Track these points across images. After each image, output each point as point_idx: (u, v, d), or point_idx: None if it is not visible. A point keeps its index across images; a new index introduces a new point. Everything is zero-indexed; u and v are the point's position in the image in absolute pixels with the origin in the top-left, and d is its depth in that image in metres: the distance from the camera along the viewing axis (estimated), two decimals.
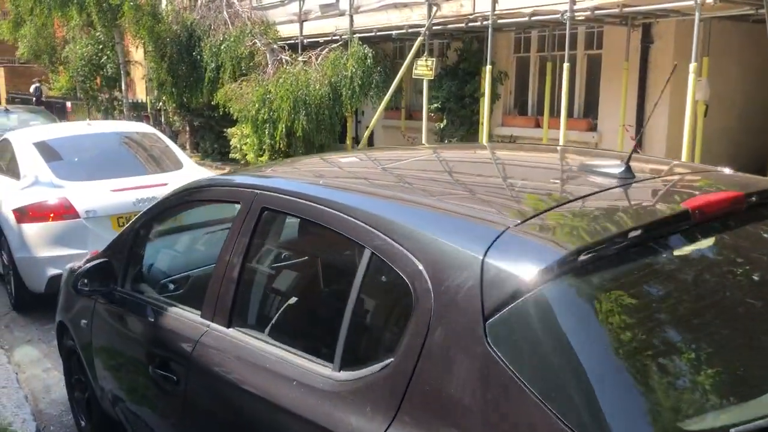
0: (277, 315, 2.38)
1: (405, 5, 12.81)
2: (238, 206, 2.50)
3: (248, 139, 14.88)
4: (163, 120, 20.53)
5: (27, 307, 6.07)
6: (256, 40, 15.18)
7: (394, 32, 13.00)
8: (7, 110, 12.01)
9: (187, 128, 18.43)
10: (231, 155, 15.69)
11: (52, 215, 5.72)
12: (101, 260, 3.13)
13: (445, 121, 13.17)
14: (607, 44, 11.10)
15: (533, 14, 10.35)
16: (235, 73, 15.34)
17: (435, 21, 12.04)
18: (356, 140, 15.73)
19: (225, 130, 16.41)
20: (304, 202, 2.15)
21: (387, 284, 1.91)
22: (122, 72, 20.18)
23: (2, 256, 6.28)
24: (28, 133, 7.03)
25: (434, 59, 12.10)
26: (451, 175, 2.56)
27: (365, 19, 13.78)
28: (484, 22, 11.09)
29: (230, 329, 2.34)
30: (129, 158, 6.80)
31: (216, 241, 3.71)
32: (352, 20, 13.92)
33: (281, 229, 2.48)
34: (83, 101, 25.27)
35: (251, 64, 15.16)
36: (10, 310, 6.11)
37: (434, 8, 11.92)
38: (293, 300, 2.45)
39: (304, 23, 15.28)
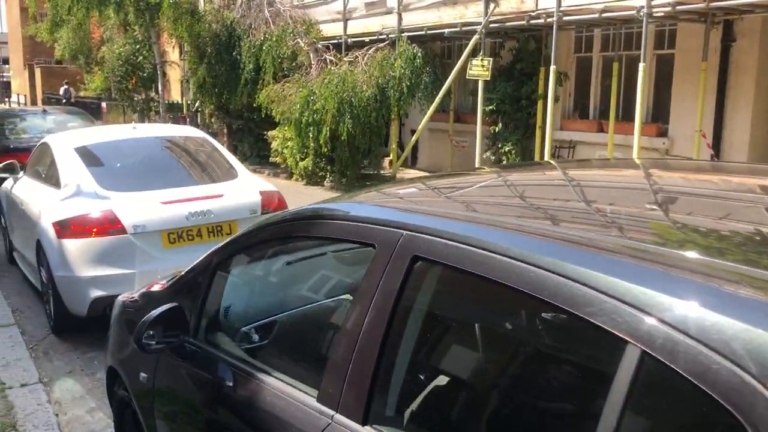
0: (454, 415, 1.67)
1: (459, 2, 12.11)
2: (367, 249, 1.84)
3: (290, 143, 14.29)
4: (199, 122, 20.08)
5: (67, 330, 5.49)
6: (299, 40, 14.60)
7: (446, 31, 12.32)
8: (44, 111, 11.53)
9: (225, 131, 17.90)
10: (271, 159, 15.12)
11: (96, 230, 5.12)
12: (170, 306, 2.49)
13: (499, 124, 12.41)
14: (681, 43, 10.27)
15: (604, 11, 9.58)
16: (276, 74, 14.78)
17: (492, 18, 11.33)
18: (400, 145, 15.05)
19: (264, 132, 15.86)
20: (497, 257, 1.46)
21: (671, 403, 1.21)
22: (159, 72, 19.77)
23: (41, 273, 5.71)
24: (68, 137, 6.46)
25: (490, 59, 11.37)
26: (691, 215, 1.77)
27: (414, 17, 13.13)
28: (548, 20, 10.36)
29: (367, 427, 1.66)
30: (179, 166, 6.18)
31: (304, 273, 3.06)
32: (400, 18, 13.27)
33: (448, 289, 1.77)
34: (118, 102, 25.02)
35: (293, 64, 14.58)
36: (48, 334, 5.54)
37: (492, 5, 11.20)
38: (480, 398, 1.68)
39: (348, 22, 14.67)
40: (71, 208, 5.31)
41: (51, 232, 5.27)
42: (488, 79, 11.38)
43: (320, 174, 13.88)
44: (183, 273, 2.86)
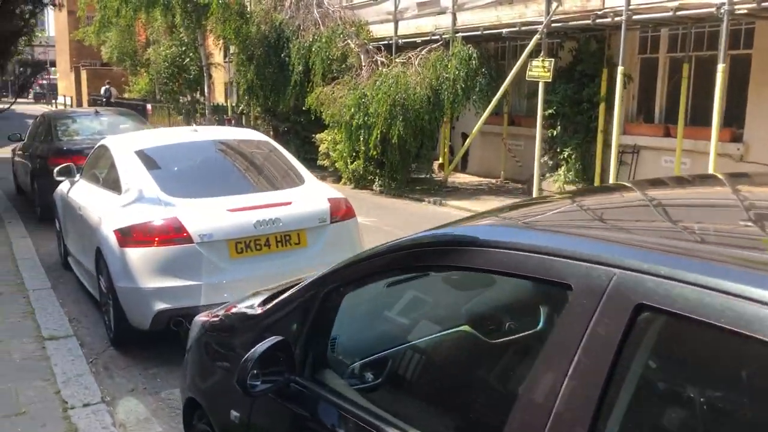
0: None
1: (518, 1, 11.66)
2: (557, 289, 1.45)
3: (339, 146, 13.99)
4: (244, 124, 19.94)
5: (127, 343, 5.23)
6: (349, 41, 14.29)
7: (504, 30, 11.88)
8: (97, 113, 11.38)
9: (272, 133, 17.68)
10: (319, 162, 14.84)
11: (160, 238, 4.84)
12: (277, 340, 2.14)
13: (558, 128, 11.92)
14: (760, 42, 9.66)
15: (679, 8, 9.05)
16: (326, 75, 14.50)
17: (554, 18, 10.86)
18: (450, 148, 14.62)
19: (312, 135, 15.60)
20: None
21: None
22: (205, 74, 19.67)
23: (100, 282, 5.45)
24: (128, 140, 6.21)
25: (552, 60, 10.90)
26: None
27: (470, 16, 12.72)
28: (616, 18, 9.86)
29: None
30: (244, 171, 5.86)
31: (411, 299, 2.68)
32: (455, 18, 12.87)
33: (700, 355, 1.35)
34: (163, 103, 25.07)
35: (343, 66, 14.28)
36: (107, 347, 5.27)
37: (554, 4, 10.73)
38: None
39: (398, 22, 14.31)
40: (133, 214, 5.04)
41: (112, 239, 5.00)
42: (549, 80, 10.90)
43: (369, 178, 13.56)
44: (282, 298, 2.51)
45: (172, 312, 4.78)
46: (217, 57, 23.01)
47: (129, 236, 4.92)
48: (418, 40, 13.66)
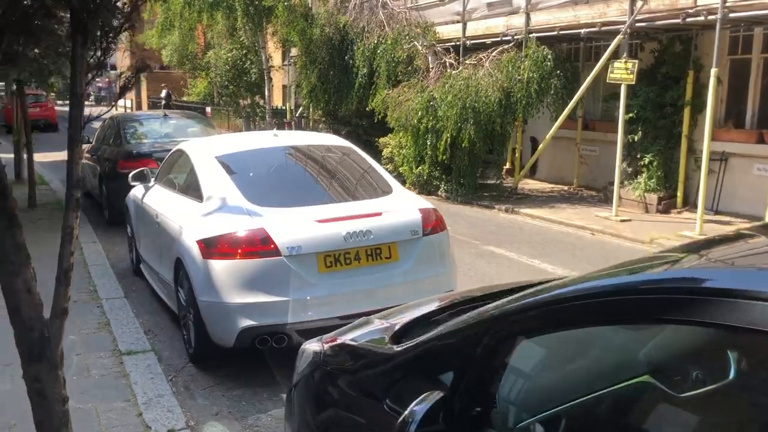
0: None
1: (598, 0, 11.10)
2: None
3: (403, 150, 13.64)
4: (303, 127, 19.80)
5: (207, 360, 4.94)
6: (416, 43, 13.93)
7: (582, 31, 11.32)
8: (165, 116, 11.27)
9: None
10: (381, 166, 14.47)
11: (246, 250, 4.53)
12: (438, 397, 1.76)
13: (639, 133, 11.30)
14: None
15: None
16: (390, 78, 14.18)
17: (638, 17, 10.27)
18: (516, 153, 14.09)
19: (374, 139, 15.29)
20: None
21: None
22: (266, 78, 19.59)
23: (179, 293, 5.17)
24: (206, 145, 5.94)
25: (635, 61, 10.31)
26: None
27: (545, 16, 12.20)
28: (710, 17, 9.22)
29: None
30: (329, 179, 5.51)
31: (579, 344, 2.26)
32: (528, 18, 12.36)
33: None
34: (221, 107, 25.19)
35: (409, 68, 13.94)
36: (186, 363, 4.99)
37: (639, 2, 10.14)
38: None
39: (466, 23, 13.86)
40: (217, 224, 4.74)
41: (195, 251, 4.71)
42: (633, 83, 10.31)
43: (434, 183, 13.17)
44: (429, 338, 2.12)
45: (258, 330, 4.46)
46: (276, 60, 22.97)
47: (213, 247, 4.62)
48: (488, 41, 13.20)
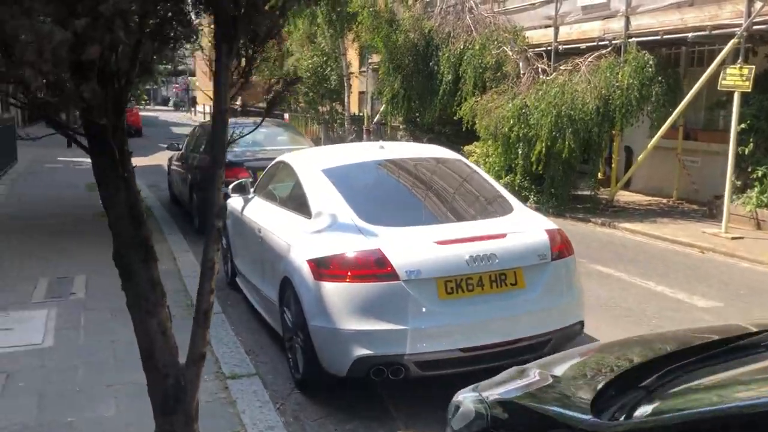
0: None
1: (708, 2, 10.38)
2: None
3: (490, 158, 13.18)
4: (382, 135, 19.56)
5: (314, 387, 4.65)
6: (505, 48, 13.44)
7: (690, 35, 10.60)
8: (254, 123, 11.14)
9: None
10: None
11: (360, 273, 4.21)
12: None
13: (751, 144, 10.49)
14: None
15: None
16: (477, 84, 13.74)
17: (755, 20, 9.52)
18: (608, 162, 13.36)
19: (458, 147, 14.85)
20: None
21: None
22: (346, 84, 19.46)
23: (284, 315, 4.90)
24: (311, 157, 5.68)
25: (752, 67, 9.55)
26: None
27: (647, 20, 11.53)
28: None
29: None
30: (445, 195, 5.15)
31: None
32: (628, 22, 11.71)
33: None
34: (299, 113, 25.24)
35: (497, 74, 13.46)
36: (292, 390, 4.70)
37: (759, 3, 9.40)
38: None
39: (558, 28, 13.28)
40: (329, 244, 4.44)
41: (305, 271, 4.42)
42: (749, 90, 9.55)
43: (523, 194, 12.62)
44: (677, 416, 1.71)
45: (375, 360, 4.13)
46: (354, 67, 22.85)
47: (325, 268, 4.32)
48: (582, 45, 12.59)
